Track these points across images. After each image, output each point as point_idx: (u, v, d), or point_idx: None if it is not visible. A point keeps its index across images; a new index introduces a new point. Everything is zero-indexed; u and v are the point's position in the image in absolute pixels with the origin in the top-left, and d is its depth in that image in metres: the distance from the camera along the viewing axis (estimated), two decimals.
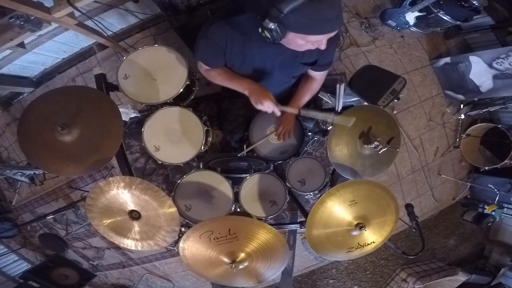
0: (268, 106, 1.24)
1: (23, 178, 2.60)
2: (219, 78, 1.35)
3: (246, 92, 1.29)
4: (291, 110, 1.35)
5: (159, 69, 1.50)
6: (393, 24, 2.45)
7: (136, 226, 1.22)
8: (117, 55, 2.46)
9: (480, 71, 2.31)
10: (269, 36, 0.99)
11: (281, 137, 1.58)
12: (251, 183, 1.67)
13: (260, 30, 0.99)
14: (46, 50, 2.24)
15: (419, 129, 2.75)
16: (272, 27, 0.94)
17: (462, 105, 2.74)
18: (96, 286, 3.07)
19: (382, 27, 2.55)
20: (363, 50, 2.55)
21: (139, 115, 2.38)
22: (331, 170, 1.86)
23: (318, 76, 1.42)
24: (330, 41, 1.05)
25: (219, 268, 1.19)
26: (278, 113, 1.32)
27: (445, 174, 2.88)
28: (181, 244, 1.12)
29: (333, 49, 1.30)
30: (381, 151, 1.25)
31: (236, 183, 1.65)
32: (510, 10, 2.11)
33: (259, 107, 1.26)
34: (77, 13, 1.73)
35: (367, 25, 2.53)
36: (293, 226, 1.57)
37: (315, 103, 1.81)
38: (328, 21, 0.93)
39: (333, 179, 1.88)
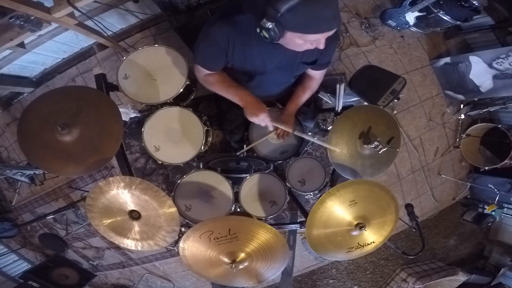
0: (262, 119, 1.28)
1: (23, 178, 2.59)
2: (216, 85, 1.34)
3: (241, 104, 1.31)
4: (285, 128, 1.37)
5: (159, 69, 1.50)
6: (393, 24, 2.44)
7: (136, 226, 1.22)
8: (117, 55, 2.45)
9: (480, 71, 2.31)
10: (267, 36, 0.99)
11: (280, 136, 1.58)
12: (251, 183, 1.67)
13: (258, 30, 0.99)
14: (46, 50, 2.24)
15: (419, 129, 2.75)
16: (270, 26, 0.94)
17: (462, 105, 2.74)
18: (96, 286, 3.07)
19: (382, 27, 2.55)
20: (363, 50, 2.55)
21: (139, 115, 2.38)
22: (331, 170, 1.86)
23: (317, 75, 1.42)
24: (329, 40, 1.05)
25: (219, 268, 1.19)
26: (271, 128, 1.37)
27: (445, 174, 2.88)
28: (181, 244, 1.12)
29: (333, 48, 1.30)
30: (381, 151, 1.25)
31: (236, 183, 1.65)
32: (510, 10, 2.10)
33: (253, 119, 1.29)
34: (77, 13, 1.72)
35: (367, 25, 2.53)
36: (293, 226, 1.57)
37: (315, 103, 1.81)
38: (325, 20, 0.94)
39: (333, 179, 1.87)
